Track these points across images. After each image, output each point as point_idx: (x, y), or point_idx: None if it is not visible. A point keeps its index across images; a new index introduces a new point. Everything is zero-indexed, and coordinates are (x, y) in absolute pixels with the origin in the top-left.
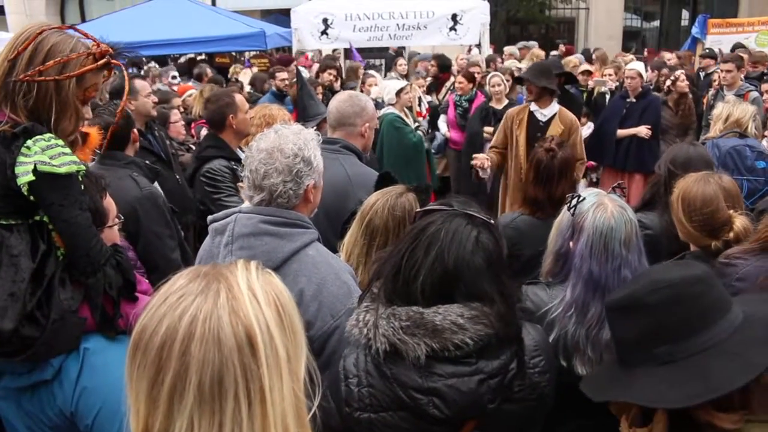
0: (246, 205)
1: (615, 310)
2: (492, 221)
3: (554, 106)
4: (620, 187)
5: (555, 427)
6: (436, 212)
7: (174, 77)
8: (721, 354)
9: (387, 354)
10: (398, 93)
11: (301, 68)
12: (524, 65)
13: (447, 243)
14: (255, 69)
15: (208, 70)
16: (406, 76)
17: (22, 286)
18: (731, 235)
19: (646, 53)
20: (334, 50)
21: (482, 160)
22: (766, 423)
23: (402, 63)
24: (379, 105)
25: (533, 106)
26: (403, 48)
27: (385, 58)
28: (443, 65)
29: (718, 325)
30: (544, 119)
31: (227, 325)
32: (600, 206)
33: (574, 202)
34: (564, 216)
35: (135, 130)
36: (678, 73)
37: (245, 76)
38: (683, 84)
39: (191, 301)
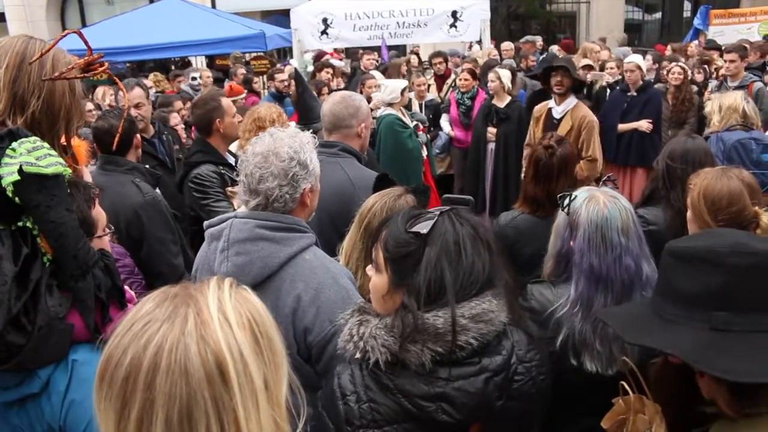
0: (242, 209)
1: (684, 258)
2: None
3: (570, 103)
4: (611, 180)
5: (566, 426)
6: (438, 224)
7: (194, 78)
8: None
9: (387, 364)
10: (402, 92)
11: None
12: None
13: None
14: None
15: (240, 71)
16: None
17: (5, 288)
18: (758, 232)
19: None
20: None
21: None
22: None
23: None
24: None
25: (551, 103)
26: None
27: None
28: (447, 60)
29: None
30: (557, 116)
31: (195, 355)
32: (592, 200)
33: (566, 201)
34: (560, 217)
35: (138, 136)
36: (672, 65)
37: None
38: (674, 76)
39: (157, 329)
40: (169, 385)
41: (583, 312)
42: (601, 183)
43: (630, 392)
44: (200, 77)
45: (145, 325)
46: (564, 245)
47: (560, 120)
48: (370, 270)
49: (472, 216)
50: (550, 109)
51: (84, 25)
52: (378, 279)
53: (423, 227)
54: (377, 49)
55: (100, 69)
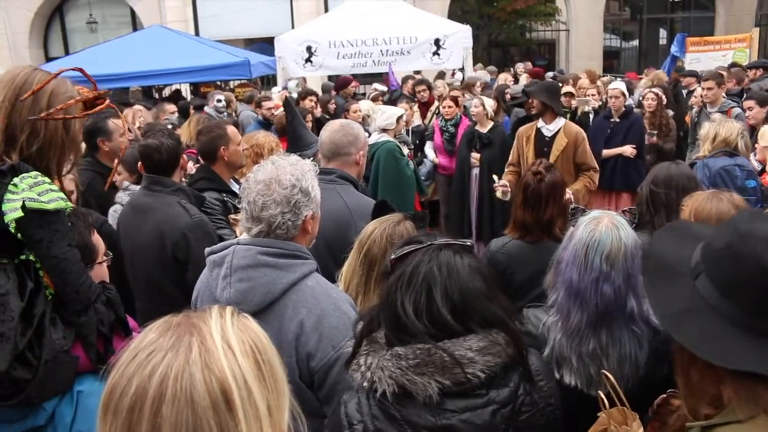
0: (244, 236)
1: None
2: (468, 243)
3: (559, 122)
4: (631, 212)
5: None
6: (414, 253)
7: (219, 100)
8: None
9: (394, 396)
10: (397, 120)
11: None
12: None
13: (445, 278)
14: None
15: (258, 94)
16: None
17: (12, 325)
18: None
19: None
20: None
21: (501, 186)
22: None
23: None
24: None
25: (540, 123)
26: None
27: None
28: (431, 88)
29: None
30: (549, 134)
31: (200, 383)
32: (594, 220)
33: (578, 215)
34: (570, 230)
35: (184, 156)
36: (645, 91)
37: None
38: (648, 103)
39: (161, 358)
40: (175, 413)
41: (563, 323)
42: (620, 211)
43: (607, 405)
44: (225, 99)
45: (149, 355)
46: (561, 252)
47: (552, 138)
48: None
49: (460, 242)
50: (539, 129)
51: (67, 53)
52: None
53: (395, 254)
54: (375, 76)
55: (103, 105)
